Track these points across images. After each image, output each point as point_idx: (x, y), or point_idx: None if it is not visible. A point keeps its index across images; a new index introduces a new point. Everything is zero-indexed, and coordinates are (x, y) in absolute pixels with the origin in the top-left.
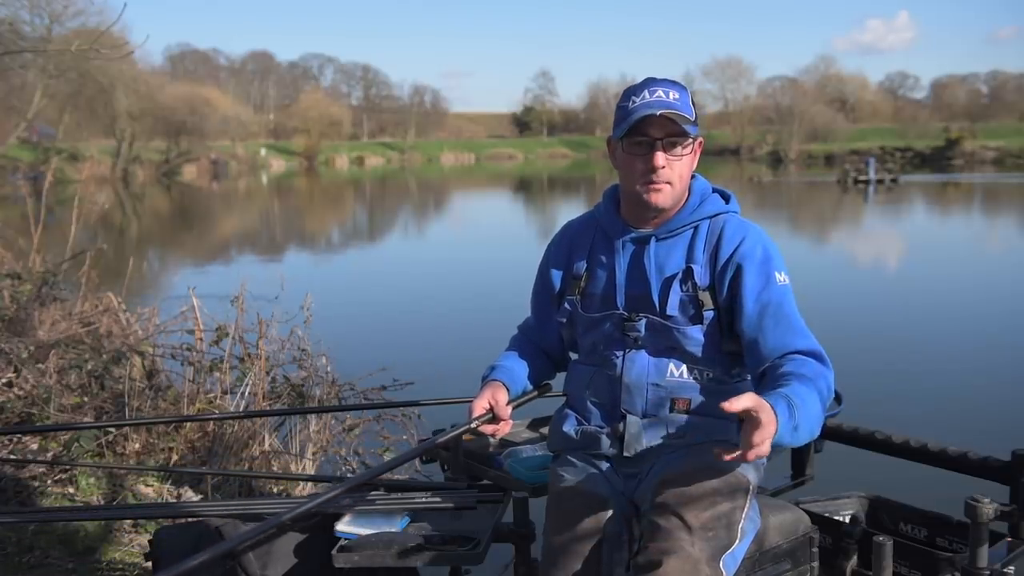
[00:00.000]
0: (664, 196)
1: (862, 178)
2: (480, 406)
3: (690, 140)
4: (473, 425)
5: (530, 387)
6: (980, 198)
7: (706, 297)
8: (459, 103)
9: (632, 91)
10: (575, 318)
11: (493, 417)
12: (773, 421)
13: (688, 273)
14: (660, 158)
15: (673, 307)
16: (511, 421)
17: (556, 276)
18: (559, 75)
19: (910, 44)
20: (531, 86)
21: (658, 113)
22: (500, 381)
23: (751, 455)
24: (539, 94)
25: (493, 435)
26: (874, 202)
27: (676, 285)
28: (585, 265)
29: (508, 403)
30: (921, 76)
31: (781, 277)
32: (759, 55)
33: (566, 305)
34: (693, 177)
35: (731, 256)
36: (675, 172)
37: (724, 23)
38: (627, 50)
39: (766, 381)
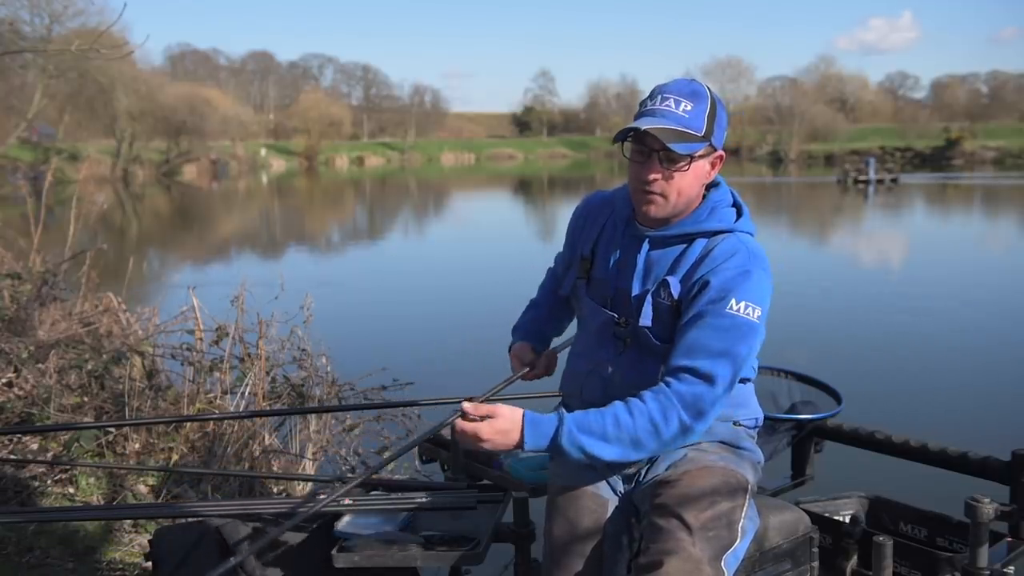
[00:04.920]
0: (656, 208)
1: (862, 178)
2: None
3: (686, 159)
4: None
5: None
6: (980, 198)
7: (677, 310)
8: (459, 103)
9: (651, 93)
10: (579, 298)
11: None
12: (502, 432)
13: (663, 285)
14: (651, 171)
15: (647, 317)
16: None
17: (570, 248)
18: (559, 75)
19: (912, 44)
20: (531, 86)
21: (643, 128)
22: (526, 343)
23: (468, 431)
24: (539, 94)
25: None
26: (874, 202)
27: (650, 297)
28: (591, 248)
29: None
30: (921, 76)
31: (739, 306)
32: (759, 55)
33: (570, 284)
34: (716, 184)
35: (705, 274)
36: (672, 186)
37: (724, 23)
38: (627, 50)
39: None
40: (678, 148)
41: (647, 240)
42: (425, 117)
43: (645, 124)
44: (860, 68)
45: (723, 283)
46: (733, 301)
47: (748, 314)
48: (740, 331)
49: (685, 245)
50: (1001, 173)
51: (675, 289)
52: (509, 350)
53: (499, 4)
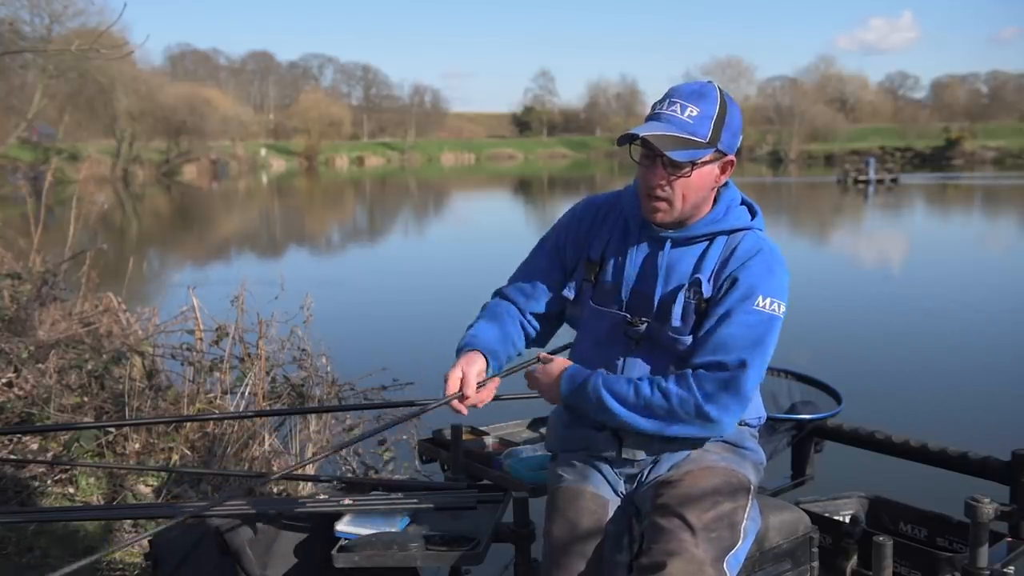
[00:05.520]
0: (662, 215)
1: (862, 178)
2: (455, 377)
3: (687, 165)
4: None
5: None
6: (980, 198)
7: (703, 308)
8: (459, 103)
9: (663, 95)
10: (583, 303)
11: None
12: (550, 377)
13: (694, 284)
14: (655, 175)
15: (676, 317)
16: (478, 395)
17: (572, 251)
18: (559, 75)
19: (912, 44)
20: (531, 86)
21: (641, 135)
22: (478, 351)
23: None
24: (539, 94)
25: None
26: (874, 202)
27: (681, 295)
28: (601, 251)
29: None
30: (921, 76)
31: (765, 302)
32: (759, 55)
33: (576, 287)
34: (725, 185)
35: (733, 271)
36: (676, 191)
37: (724, 23)
38: (627, 50)
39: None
40: (677, 156)
41: (668, 241)
42: (425, 117)
43: (646, 130)
44: (860, 68)
45: (750, 280)
46: (760, 297)
47: (774, 309)
48: (766, 326)
49: (706, 244)
50: (1001, 173)
51: (706, 289)
52: (459, 354)
53: (499, 4)
